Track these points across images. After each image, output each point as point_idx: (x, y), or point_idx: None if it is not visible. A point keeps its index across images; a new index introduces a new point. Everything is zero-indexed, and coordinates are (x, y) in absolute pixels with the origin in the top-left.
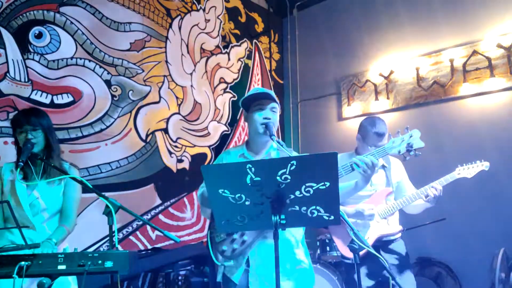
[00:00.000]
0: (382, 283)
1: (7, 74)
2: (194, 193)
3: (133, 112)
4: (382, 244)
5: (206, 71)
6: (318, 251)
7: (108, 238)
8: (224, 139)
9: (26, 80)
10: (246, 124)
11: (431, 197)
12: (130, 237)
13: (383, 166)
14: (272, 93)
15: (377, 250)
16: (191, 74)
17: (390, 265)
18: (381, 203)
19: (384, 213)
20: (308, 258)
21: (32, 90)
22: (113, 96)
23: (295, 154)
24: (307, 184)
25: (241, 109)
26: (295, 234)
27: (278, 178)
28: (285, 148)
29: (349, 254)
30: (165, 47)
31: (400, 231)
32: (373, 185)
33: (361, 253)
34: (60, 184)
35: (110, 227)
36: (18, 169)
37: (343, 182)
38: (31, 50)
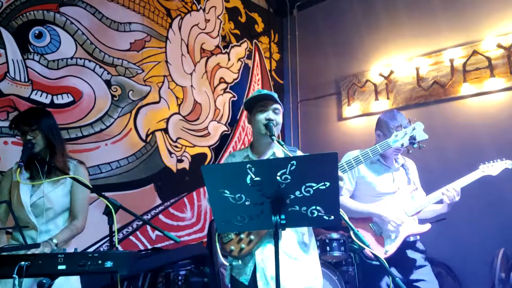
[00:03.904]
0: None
1: (7, 74)
2: (194, 193)
3: (133, 112)
4: (410, 243)
5: (206, 71)
6: (318, 251)
7: (108, 238)
8: (224, 139)
9: (26, 80)
10: (247, 124)
11: (449, 199)
12: (130, 237)
13: (403, 165)
14: (275, 94)
15: (404, 250)
16: (191, 74)
17: (420, 265)
18: (406, 201)
19: (412, 212)
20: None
21: (32, 90)
22: (113, 96)
23: (300, 153)
24: (307, 184)
25: (241, 109)
26: (304, 232)
27: (278, 178)
28: (285, 147)
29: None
30: (165, 47)
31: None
32: (395, 183)
33: (389, 254)
34: (64, 183)
35: (110, 227)
36: (19, 169)
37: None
38: (31, 50)
